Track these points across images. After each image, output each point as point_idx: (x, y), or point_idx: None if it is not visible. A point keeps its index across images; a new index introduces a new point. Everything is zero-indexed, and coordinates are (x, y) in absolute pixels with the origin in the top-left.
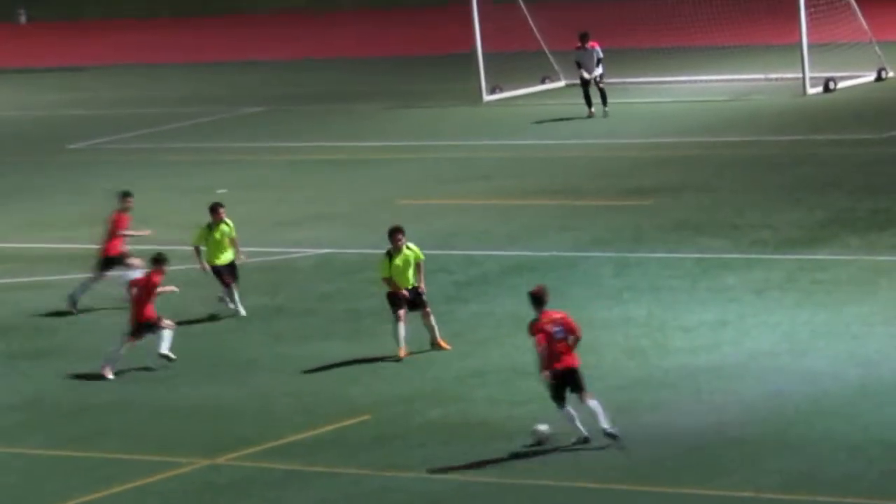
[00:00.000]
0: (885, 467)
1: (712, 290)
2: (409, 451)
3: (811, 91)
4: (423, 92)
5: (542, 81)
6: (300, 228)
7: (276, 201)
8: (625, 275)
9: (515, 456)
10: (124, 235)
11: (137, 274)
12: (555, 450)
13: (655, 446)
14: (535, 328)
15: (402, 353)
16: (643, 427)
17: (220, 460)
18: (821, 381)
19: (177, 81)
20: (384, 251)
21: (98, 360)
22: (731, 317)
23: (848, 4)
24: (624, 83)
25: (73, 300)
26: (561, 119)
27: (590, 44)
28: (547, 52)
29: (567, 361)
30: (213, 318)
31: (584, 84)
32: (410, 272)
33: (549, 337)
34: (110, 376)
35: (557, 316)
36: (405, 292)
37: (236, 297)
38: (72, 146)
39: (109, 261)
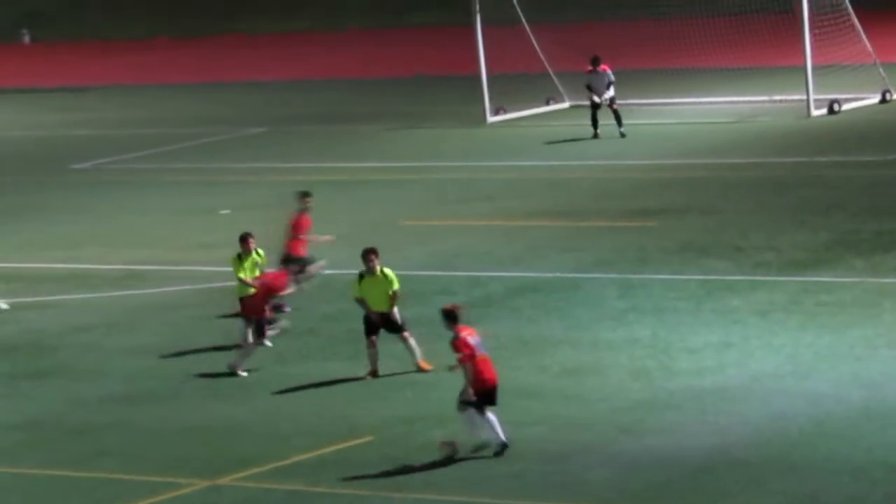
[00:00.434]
0: (889, 489)
1: (717, 312)
2: (412, 472)
3: (815, 113)
4: (427, 113)
5: (547, 103)
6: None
7: (280, 222)
8: (629, 296)
9: (517, 477)
10: (307, 239)
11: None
12: (557, 471)
13: (660, 468)
14: (460, 343)
15: (371, 374)
16: (648, 448)
17: (222, 481)
18: (824, 404)
19: (180, 102)
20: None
21: (99, 380)
22: (735, 338)
23: (852, 26)
24: (628, 104)
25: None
26: (565, 140)
27: (601, 67)
28: (551, 73)
29: (494, 377)
30: (216, 338)
31: (594, 107)
32: (383, 295)
33: (473, 351)
34: (243, 374)
35: (471, 330)
36: (377, 315)
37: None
38: (75, 166)
39: (291, 260)
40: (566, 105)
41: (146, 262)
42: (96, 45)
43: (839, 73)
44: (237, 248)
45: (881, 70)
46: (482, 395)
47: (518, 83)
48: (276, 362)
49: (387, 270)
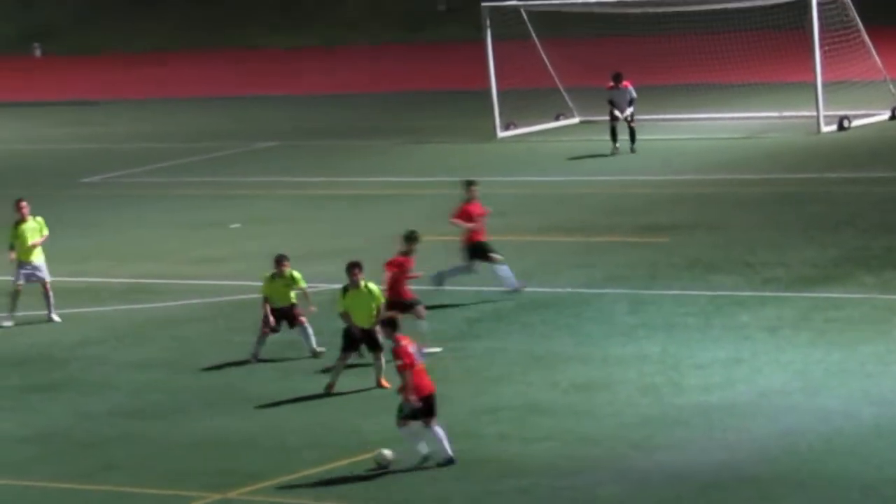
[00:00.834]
0: None
1: (726, 328)
2: (421, 487)
3: (825, 129)
4: (437, 128)
5: (557, 118)
6: (313, 263)
7: (289, 236)
8: (639, 312)
9: (527, 492)
10: (469, 224)
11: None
12: (567, 486)
13: (670, 484)
14: (401, 351)
15: (333, 388)
16: (658, 464)
17: (232, 495)
18: (834, 420)
19: (189, 116)
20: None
21: (108, 394)
22: (744, 355)
23: (862, 42)
24: (639, 119)
25: (439, 279)
26: (576, 156)
27: (623, 83)
28: (561, 89)
29: (431, 386)
30: (224, 352)
31: (614, 121)
32: (367, 310)
33: (413, 359)
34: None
35: (409, 339)
36: (359, 329)
37: (310, 336)
38: (84, 180)
39: (475, 247)
40: (576, 120)
41: (155, 276)
42: (106, 59)
43: (849, 90)
44: (246, 262)
45: (891, 86)
46: (422, 402)
47: (528, 98)
48: (283, 376)
49: (371, 285)
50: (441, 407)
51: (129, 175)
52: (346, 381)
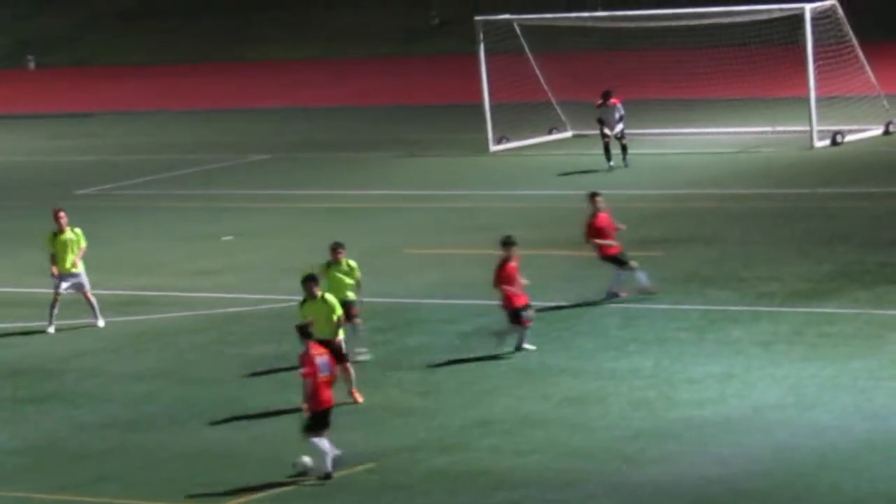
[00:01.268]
0: None
1: (719, 343)
2: (414, 500)
3: (819, 144)
4: (430, 141)
5: (550, 132)
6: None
7: (283, 248)
8: (631, 326)
9: None
10: (603, 237)
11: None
12: (559, 499)
13: (662, 498)
14: (306, 359)
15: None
16: (650, 478)
17: None
18: (827, 435)
19: (184, 128)
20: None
21: (101, 405)
22: (737, 369)
23: (856, 58)
24: (632, 134)
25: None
26: (568, 170)
27: (611, 101)
28: (554, 102)
29: (330, 400)
30: (218, 363)
31: (605, 138)
32: (326, 322)
33: (317, 370)
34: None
35: (323, 350)
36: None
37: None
38: (79, 192)
39: (613, 259)
40: (569, 134)
41: (149, 288)
42: (100, 71)
43: (842, 105)
44: (239, 275)
45: (885, 102)
46: (316, 415)
47: (521, 112)
48: (278, 388)
49: (328, 296)
50: (433, 419)
51: (123, 187)
52: (338, 395)
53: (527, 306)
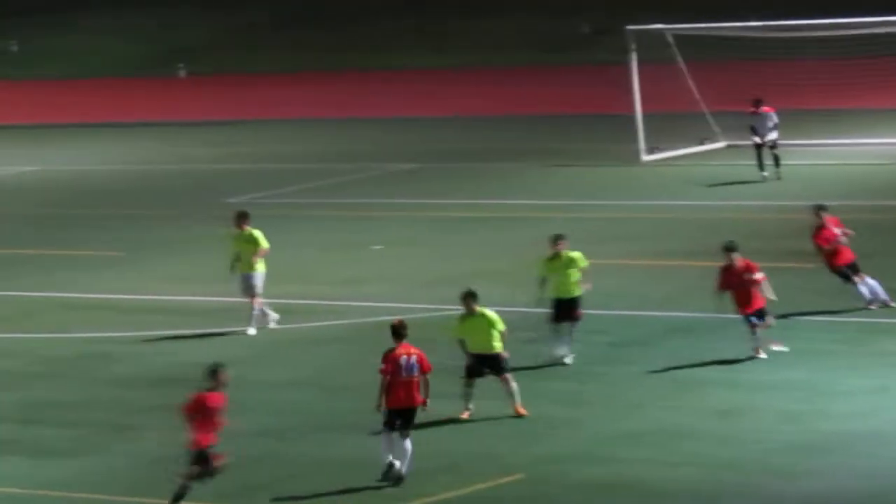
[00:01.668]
0: None
1: (872, 355)
2: None
3: None
4: (579, 151)
5: (701, 142)
6: (455, 286)
7: (431, 258)
8: (784, 338)
9: None
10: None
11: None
12: None
13: None
14: (386, 357)
15: (465, 414)
16: (800, 491)
17: None
18: None
19: (330, 137)
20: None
21: (248, 414)
22: (891, 383)
23: None
24: (783, 145)
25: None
26: (719, 181)
27: (763, 108)
28: (706, 112)
29: (406, 401)
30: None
31: (758, 147)
32: (484, 336)
33: (397, 369)
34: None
35: (413, 351)
36: (473, 355)
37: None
38: (229, 200)
39: (844, 268)
40: (721, 145)
41: (297, 297)
42: (247, 78)
43: None
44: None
45: None
46: (390, 414)
47: (672, 122)
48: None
49: (488, 311)
50: (582, 430)
51: (272, 196)
52: (486, 406)
53: (760, 311)
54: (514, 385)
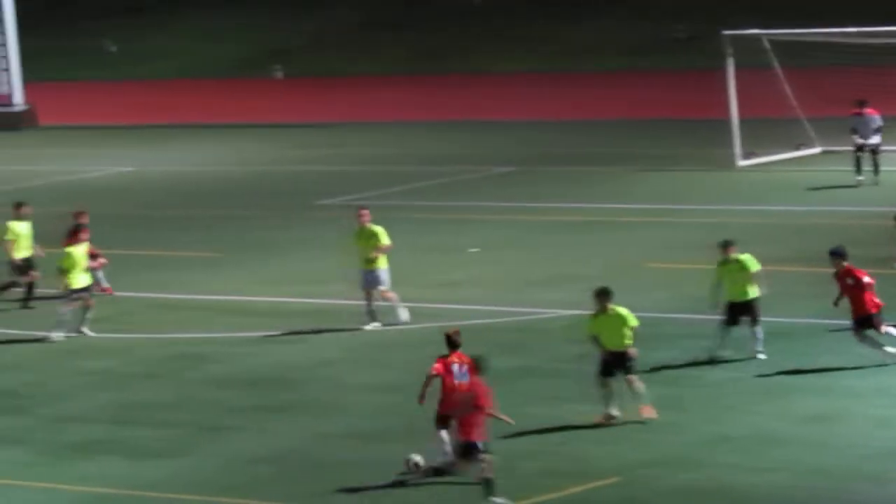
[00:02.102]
0: None
1: None
2: None
3: None
4: (674, 156)
5: (797, 148)
6: (550, 289)
7: (527, 261)
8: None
9: None
10: None
11: None
12: None
13: None
14: (439, 362)
15: (598, 418)
16: (893, 497)
17: None
18: None
19: (425, 139)
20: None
21: (342, 416)
22: None
23: None
24: (884, 151)
25: None
26: (816, 186)
27: (868, 110)
28: (803, 118)
29: (451, 408)
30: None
31: (858, 150)
32: (617, 333)
33: (449, 373)
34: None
35: (466, 359)
36: (608, 353)
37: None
38: (322, 202)
39: None
40: (817, 150)
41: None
42: (342, 81)
43: None
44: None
45: None
46: (441, 417)
47: (767, 127)
48: (522, 402)
49: (620, 309)
50: (674, 434)
51: (365, 198)
52: (580, 409)
53: (869, 317)
54: (639, 385)
